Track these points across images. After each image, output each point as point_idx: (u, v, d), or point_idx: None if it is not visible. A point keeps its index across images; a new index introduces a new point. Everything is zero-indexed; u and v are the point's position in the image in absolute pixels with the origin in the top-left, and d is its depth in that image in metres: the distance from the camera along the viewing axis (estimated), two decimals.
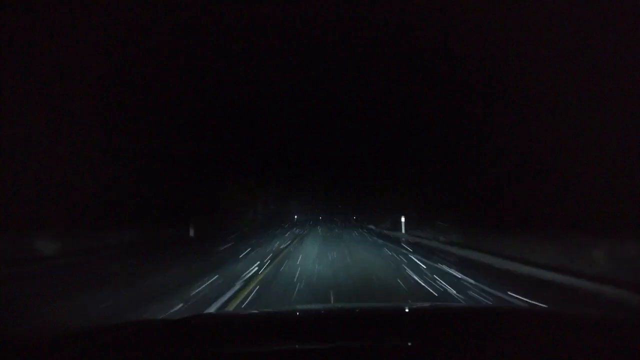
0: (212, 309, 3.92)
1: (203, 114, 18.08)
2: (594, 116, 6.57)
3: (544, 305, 3.63)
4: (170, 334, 0.99)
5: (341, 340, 0.91)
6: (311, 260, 8.00)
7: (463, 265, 7.19)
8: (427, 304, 2.58)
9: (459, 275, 5.98)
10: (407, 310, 1.48)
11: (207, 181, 18.56)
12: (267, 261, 7.85)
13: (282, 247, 11.27)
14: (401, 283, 5.42)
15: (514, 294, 4.50)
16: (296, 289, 5.01)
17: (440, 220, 12.16)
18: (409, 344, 0.86)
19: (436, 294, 4.62)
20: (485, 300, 4.25)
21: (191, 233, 12.72)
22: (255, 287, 5.18)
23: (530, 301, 4.17)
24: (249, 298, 4.52)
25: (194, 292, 4.80)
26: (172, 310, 3.83)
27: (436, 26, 12.20)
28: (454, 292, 4.76)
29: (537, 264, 6.47)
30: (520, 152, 8.66)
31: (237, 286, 5.18)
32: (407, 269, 6.79)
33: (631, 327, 1.01)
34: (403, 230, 15.73)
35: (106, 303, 4.35)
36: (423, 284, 5.30)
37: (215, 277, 5.83)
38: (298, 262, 7.77)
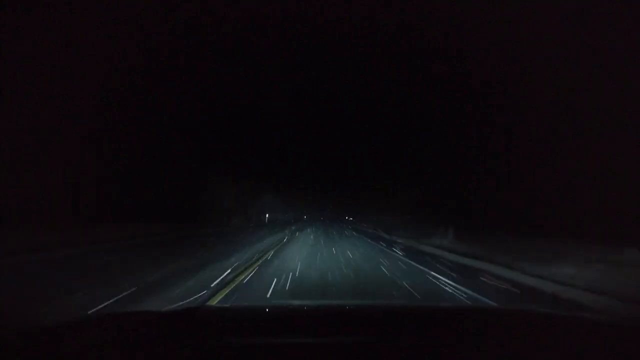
0: None
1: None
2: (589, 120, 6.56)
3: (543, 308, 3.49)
4: (173, 326, 0.99)
5: (340, 335, 0.91)
6: None
7: None
8: (425, 305, 2.57)
9: None
10: (404, 309, 1.47)
11: None
12: None
13: None
14: None
15: None
16: None
17: None
18: (406, 342, 0.86)
19: None
20: None
21: None
22: None
23: None
24: None
25: None
26: None
27: (436, 26, 12.21)
28: None
29: None
30: None
31: None
32: None
33: (627, 330, 1.02)
34: None
35: None
36: None
37: None
38: None
